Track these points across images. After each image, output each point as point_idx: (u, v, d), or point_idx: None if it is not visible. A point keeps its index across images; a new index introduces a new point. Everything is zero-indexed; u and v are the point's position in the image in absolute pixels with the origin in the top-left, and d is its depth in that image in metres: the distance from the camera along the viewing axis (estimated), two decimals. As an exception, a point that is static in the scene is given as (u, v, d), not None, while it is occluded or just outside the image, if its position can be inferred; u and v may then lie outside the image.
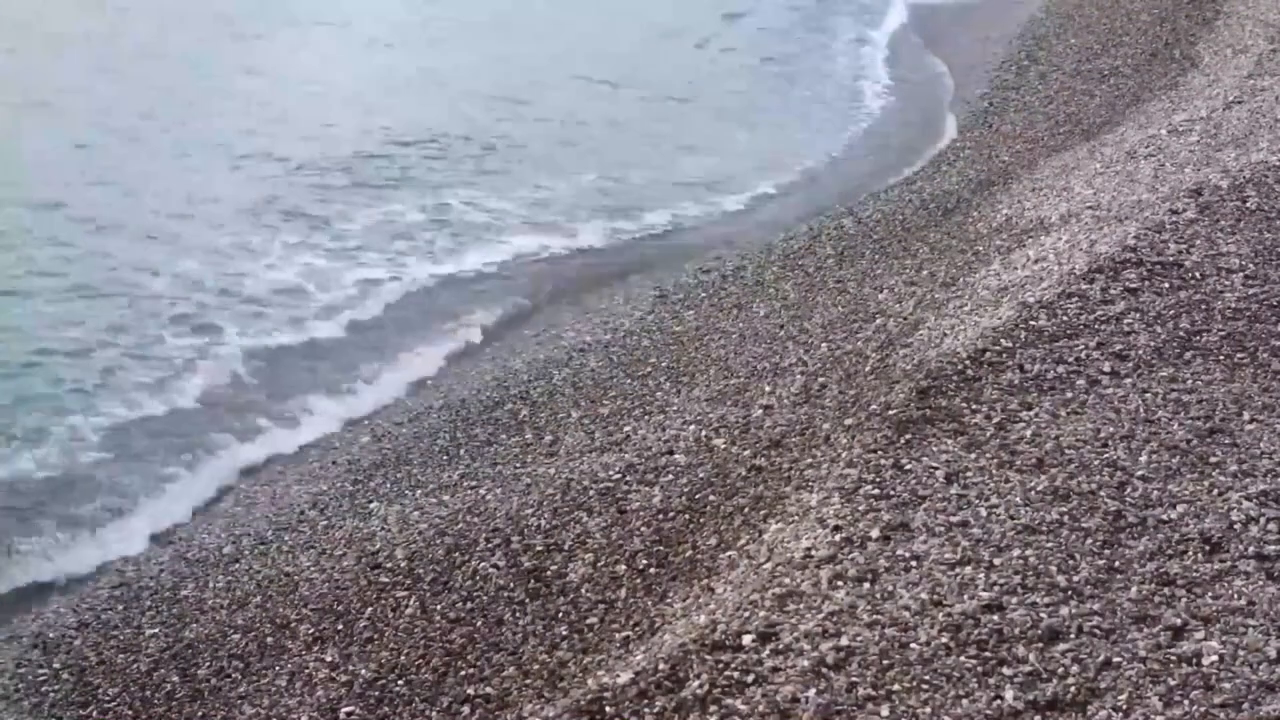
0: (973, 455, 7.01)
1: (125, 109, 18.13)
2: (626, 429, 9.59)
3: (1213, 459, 6.96)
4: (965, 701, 5.17)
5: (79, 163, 16.21)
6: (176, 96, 18.84)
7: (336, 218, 15.25)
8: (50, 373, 11.34)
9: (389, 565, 8.20)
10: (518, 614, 7.37)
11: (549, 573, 7.67)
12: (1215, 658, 5.39)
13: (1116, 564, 6.04)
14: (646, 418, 9.74)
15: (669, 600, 6.91)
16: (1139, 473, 6.79)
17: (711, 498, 7.92)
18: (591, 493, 8.43)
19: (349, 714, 6.92)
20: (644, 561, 7.46)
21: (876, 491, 6.69)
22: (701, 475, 8.28)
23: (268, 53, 21.85)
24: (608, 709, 5.39)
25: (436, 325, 13.02)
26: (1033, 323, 8.57)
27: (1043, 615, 5.65)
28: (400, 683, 7.06)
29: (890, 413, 7.58)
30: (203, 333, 12.37)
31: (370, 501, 9.29)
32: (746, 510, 7.51)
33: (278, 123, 18.17)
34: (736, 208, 16.73)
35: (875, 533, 6.30)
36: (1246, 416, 7.41)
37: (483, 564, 7.90)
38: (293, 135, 17.69)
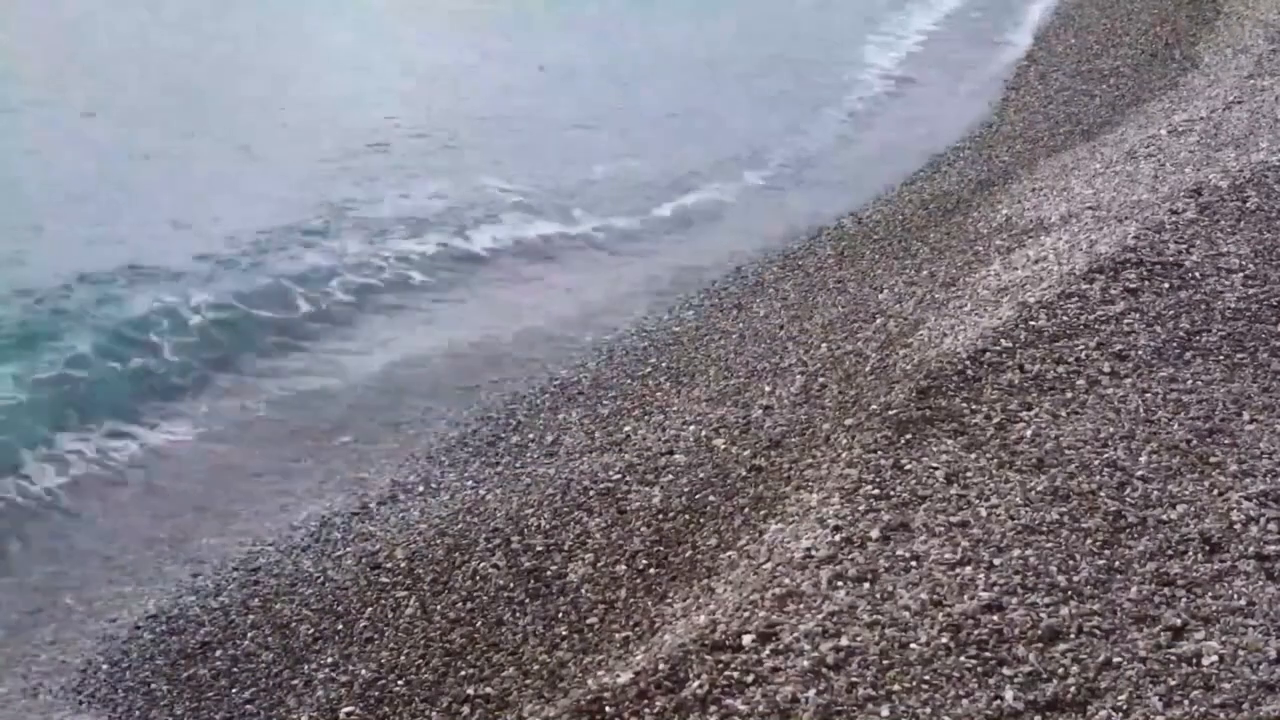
0: (973, 455, 7.01)
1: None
2: (626, 429, 9.59)
3: (1213, 459, 6.95)
4: (965, 701, 5.17)
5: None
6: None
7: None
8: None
9: (389, 565, 8.20)
10: (518, 614, 7.37)
11: (549, 573, 7.66)
12: (1215, 658, 5.39)
13: (1116, 564, 6.04)
14: (646, 418, 9.74)
15: (669, 600, 6.91)
16: (1139, 473, 6.79)
17: (711, 498, 7.91)
18: (591, 493, 8.43)
19: (349, 714, 6.92)
20: (644, 561, 7.45)
21: (876, 491, 6.69)
22: (701, 475, 8.28)
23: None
24: (608, 709, 5.39)
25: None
26: (1033, 323, 8.57)
27: (1043, 615, 5.65)
28: (400, 683, 7.06)
29: (890, 413, 7.58)
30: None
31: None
32: (746, 510, 7.51)
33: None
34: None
35: (875, 533, 6.29)
36: (1246, 416, 7.41)
37: (483, 564, 7.89)
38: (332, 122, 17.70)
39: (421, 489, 9.36)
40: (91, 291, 12.40)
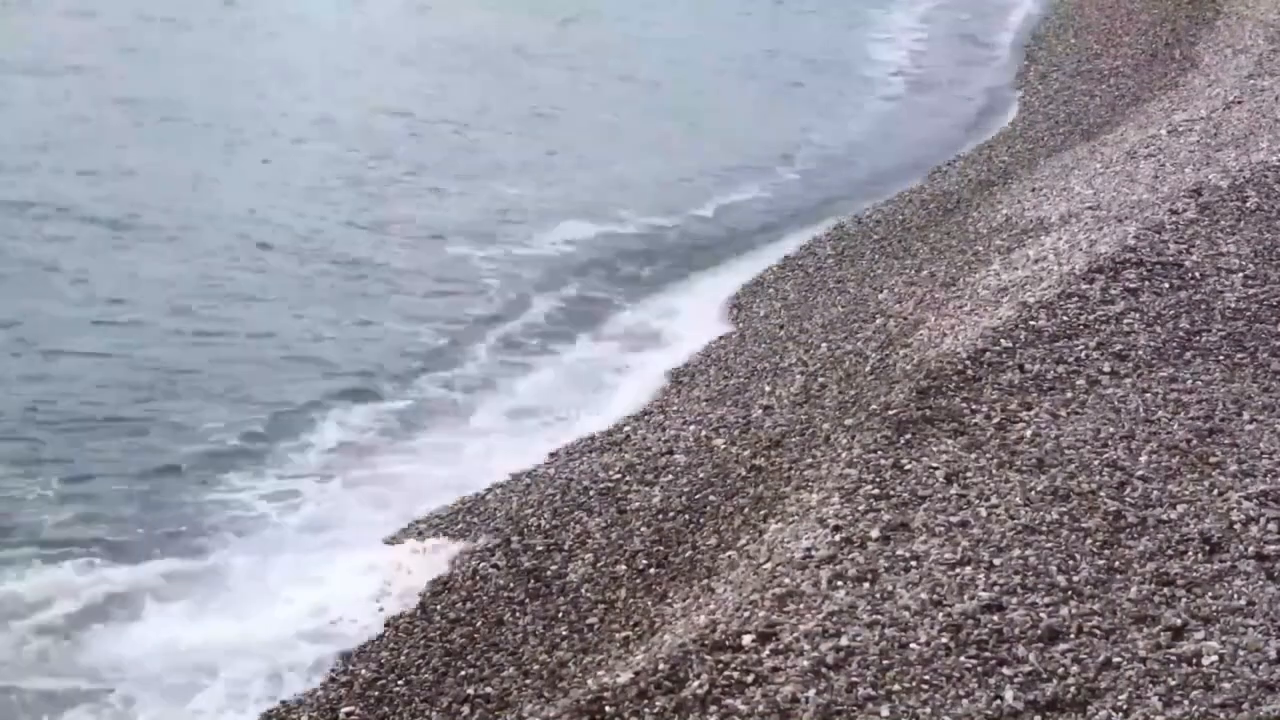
0: (973, 455, 7.01)
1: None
2: (626, 429, 9.59)
3: (1213, 459, 6.96)
4: (965, 701, 5.17)
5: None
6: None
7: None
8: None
9: (389, 565, 8.20)
10: (518, 614, 7.37)
11: (549, 573, 7.67)
12: (1215, 658, 5.39)
13: (1116, 564, 6.04)
14: (646, 418, 9.74)
15: (669, 600, 6.91)
16: (1139, 473, 6.79)
17: (711, 498, 7.92)
18: (591, 493, 8.43)
19: (349, 714, 6.92)
20: (644, 561, 7.46)
21: (876, 491, 6.69)
22: (701, 475, 8.28)
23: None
24: (608, 709, 5.39)
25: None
26: (1033, 323, 8.57)
27: (1043, 615, 5.65)
28: (400, 683, 7.06)
29: (890, 413, 7.58)
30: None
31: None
32: (746, 510, 7.51)
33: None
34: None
35: (875, 533, 6.30)
36: (1246, 416, 7.41)
37: (483, 564, 7.89)
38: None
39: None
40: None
